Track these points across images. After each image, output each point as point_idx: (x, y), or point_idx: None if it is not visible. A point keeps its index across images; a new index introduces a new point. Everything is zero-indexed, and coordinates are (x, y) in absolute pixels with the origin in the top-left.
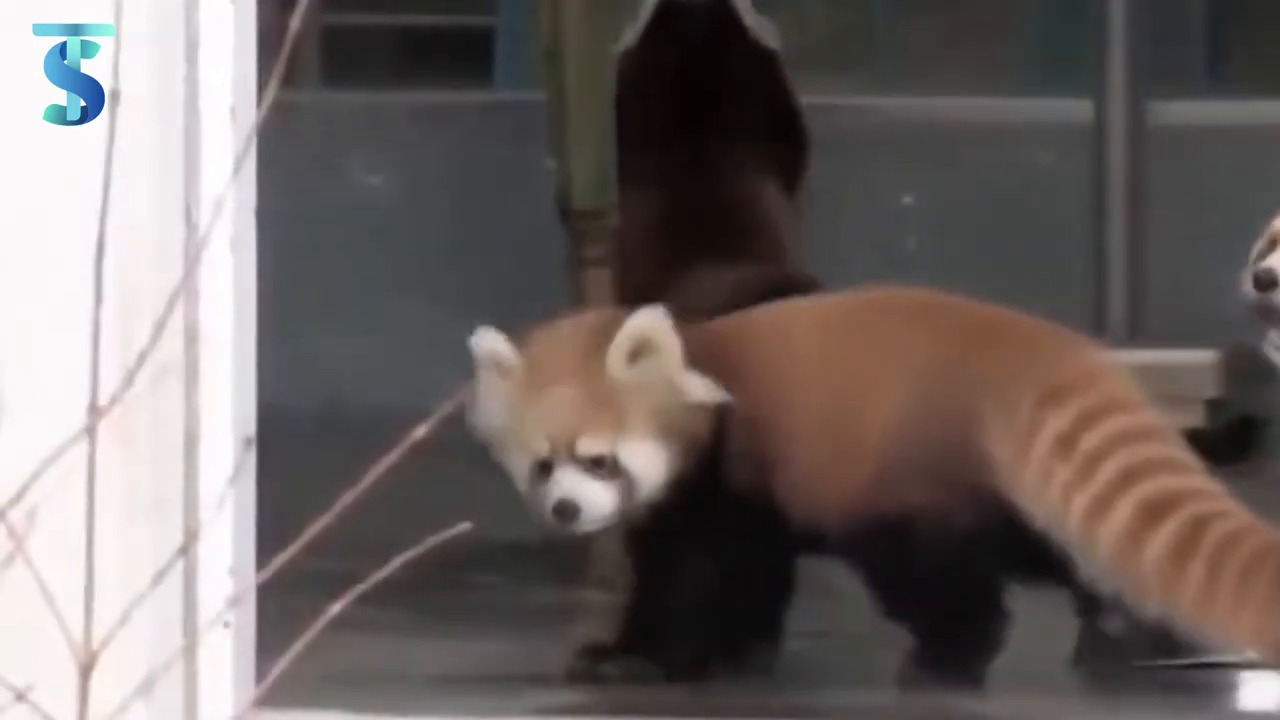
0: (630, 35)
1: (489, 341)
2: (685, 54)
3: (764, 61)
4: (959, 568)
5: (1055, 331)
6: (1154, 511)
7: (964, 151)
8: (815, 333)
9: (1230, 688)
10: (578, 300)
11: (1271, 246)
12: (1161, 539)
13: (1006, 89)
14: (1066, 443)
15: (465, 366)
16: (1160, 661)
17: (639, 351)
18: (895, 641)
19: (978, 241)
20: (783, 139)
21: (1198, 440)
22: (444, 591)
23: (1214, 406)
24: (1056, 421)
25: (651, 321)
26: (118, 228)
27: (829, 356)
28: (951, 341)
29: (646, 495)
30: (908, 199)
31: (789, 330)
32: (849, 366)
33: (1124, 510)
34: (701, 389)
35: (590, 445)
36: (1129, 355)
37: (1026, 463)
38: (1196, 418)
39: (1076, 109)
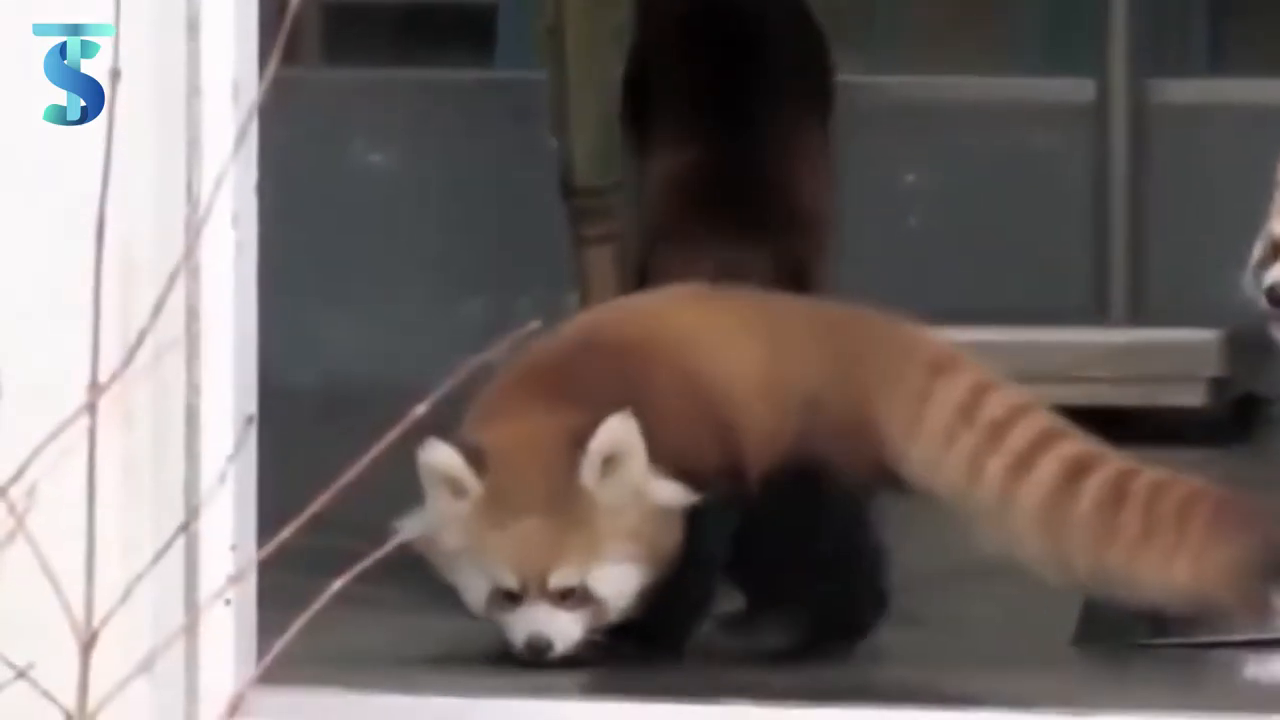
0: None
1: (442, 459)
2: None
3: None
4: (865, 526)
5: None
6: (1078, 467)
7: (965, 130)
8: (712, 318)
9: (1232, 665)
10: (580, 278)
11: (1275, 254)
12: (1092, 489)
13: (1007, 67)
14: (967, 411)
15: (466, 344)
16: (1162, 640)
17: (610, 463)
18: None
19: (979, 220)
20: (815, 74)
21: (1200, 419)
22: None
23: (1216, 385)
24: (950, 391)
25: (621, 430)
26: (118, 205)
27: (745, 340)
28: (830, 324)
29: (615, 615)
30: (909, 177)
31: (687, 318)
32: (762, 347)
33: (1049, 466)
34: (671, 493)
35: (563, 578)
36: (1131, 334)
37: (920, 431)
38: (1198, 396)
39: (1077, 87)
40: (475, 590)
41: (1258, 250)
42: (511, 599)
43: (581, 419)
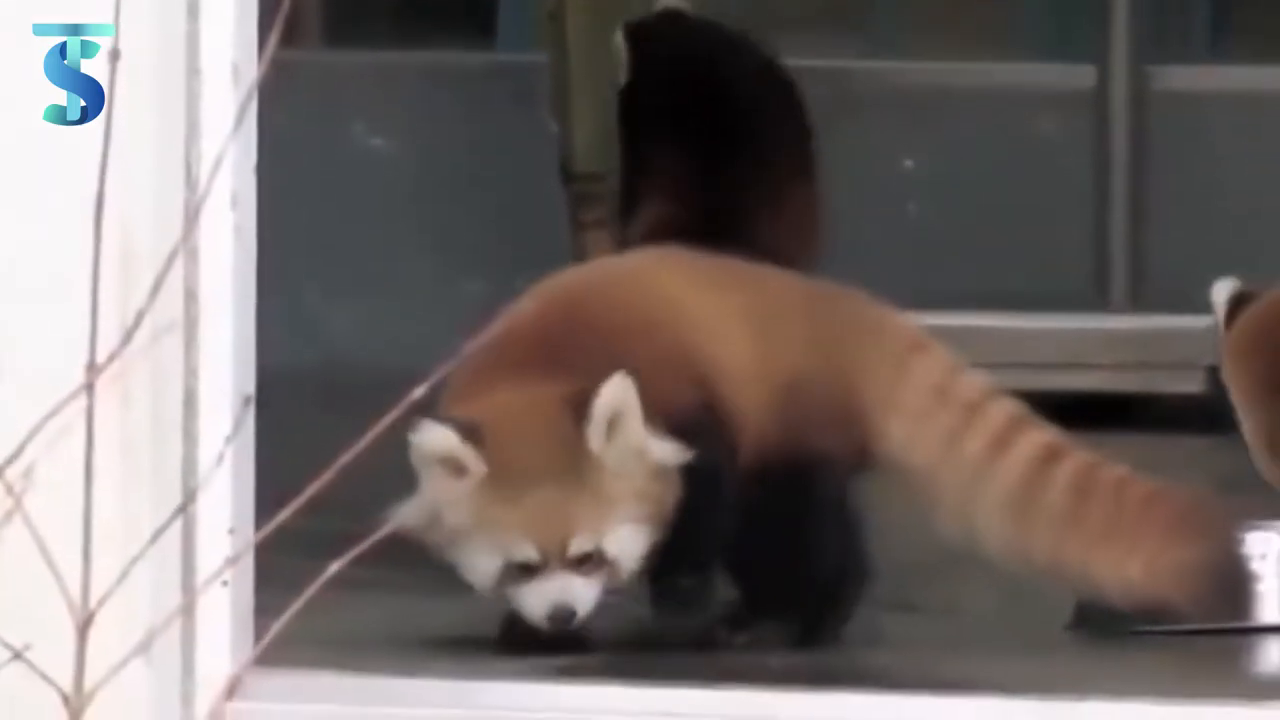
0: (622, 74)
1: (437, 440)
2: (679, 83)
3: (760, 71)
4: (849, 507)
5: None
6: (1050, 453)
7: (965, 116)
8: (688, 288)
9: (1225, 653)
10: (578, 262)
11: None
12: (1062, 477)
13: (1008, 53)
14: (942, 390)
15: (465, 327)
16: (1156, 627)
17: (612, 425)
18: (887, 601)
19: (979, 206)
20: (795, 137)
21: (1199, 406)
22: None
23: (1215, 373)
24: (927, 369)
25: (621, 391)
26: (117, 186)
27: (723, 311)
28: (811, 300)
29: (627, 575)
30: (908, 163)
31: (672, 290)
32: (748, 329)
33: (1024, 449)
34: (669, 453)
35: (582, 544)
36: (1131, 320)
37: (897, 407)
38: (1197, 384)
39: (1079, 74)
40: (483, 567)
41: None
42: (527, 571)
43: (579, 385)
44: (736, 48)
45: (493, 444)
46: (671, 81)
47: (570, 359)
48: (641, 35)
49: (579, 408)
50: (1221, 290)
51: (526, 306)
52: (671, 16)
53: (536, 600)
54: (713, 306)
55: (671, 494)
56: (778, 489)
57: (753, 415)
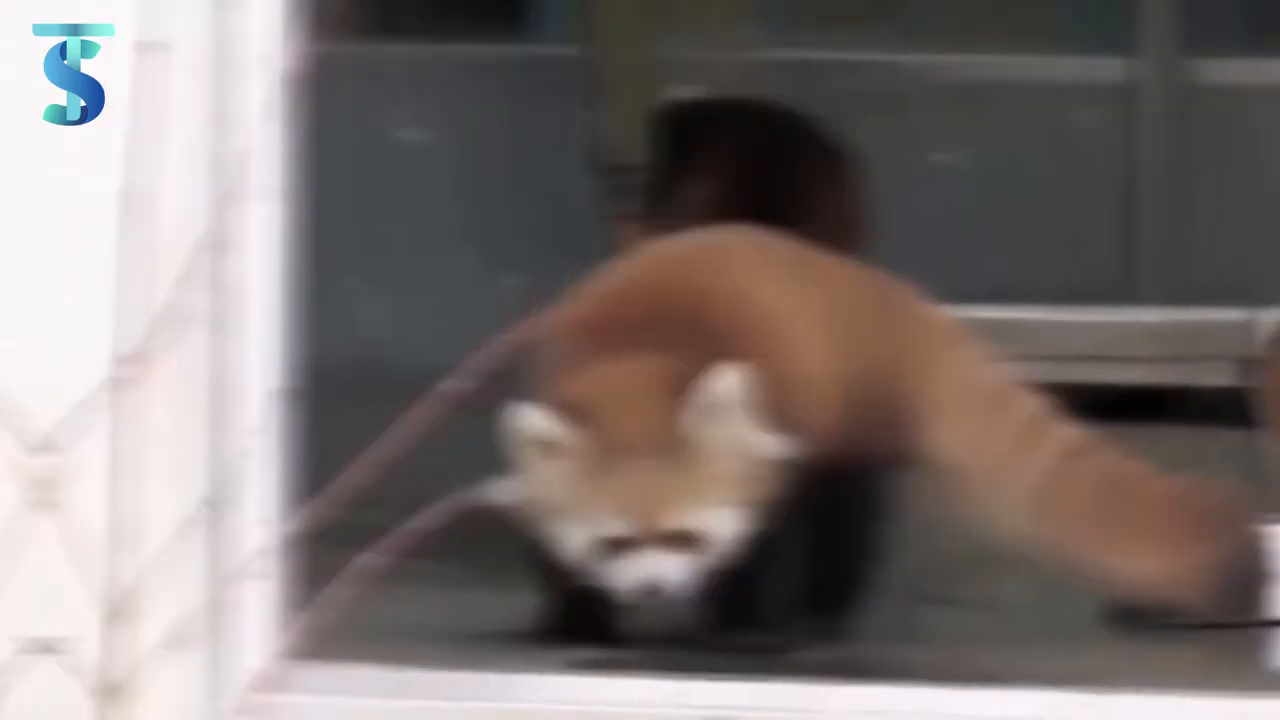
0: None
1: (535, 424)
2: (713, 148)
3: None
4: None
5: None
6: (1076, 449)
7: (1000, 109)
8: (762, 284)
9: (1257, 647)
10: (612, 255)
11: None
12: (1087, 473)
13: (1043, 46)
14: (976, 387)
15: (500, 321)
16: (1189, 621)
17: (715, 409)
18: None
19: (1013, 199)
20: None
21: (1233, 399)
22: (480, 545)
23: (1248, 365)
24: (963, 364)
25: (730, 379)
26: (148, 179)
27: (791, 307)
28: (879, 291)
29: (718, 560)
30: (945, 157)
31: (748, 287)
32: (826, 338)
33: (1051, 444)
34: (773, 445)
35: (675, 520)
36: (1163, 313)
37: (938, 404)
38: (1231, 376)
39: (1114, 67)
40: (574, 542)
41: None
42: (619, 546)
43: (681, 364)
44: (755, 107)
45: (591, 422)
46: (704, 150)
47: (668, 343)
48: (665, 121)
49: (684, 389)
50: (1273, 318)
51: (613, 284)
52: (690, 105)
53: (626, 577)
54: (794, 307)
55: (772, 485)
56: (834, 490)
57: (820, 419)
